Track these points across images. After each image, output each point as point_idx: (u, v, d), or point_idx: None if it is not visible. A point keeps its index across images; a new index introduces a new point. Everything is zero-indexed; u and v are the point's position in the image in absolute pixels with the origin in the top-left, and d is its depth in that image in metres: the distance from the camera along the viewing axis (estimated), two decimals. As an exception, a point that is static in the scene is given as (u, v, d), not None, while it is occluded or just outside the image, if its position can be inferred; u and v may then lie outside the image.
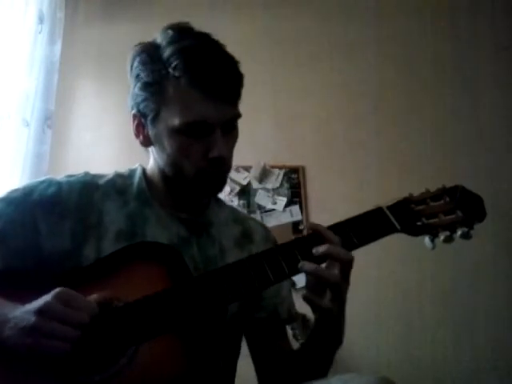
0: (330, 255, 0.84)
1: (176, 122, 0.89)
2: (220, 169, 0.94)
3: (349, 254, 0.85)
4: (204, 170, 0.93)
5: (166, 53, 0.90)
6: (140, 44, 0.96)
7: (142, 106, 0.94)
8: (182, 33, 0.93)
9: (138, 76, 0.94)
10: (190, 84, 0.88)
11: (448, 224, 0.89)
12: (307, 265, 0.84)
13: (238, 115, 0.96)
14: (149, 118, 0.94)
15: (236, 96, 0.94)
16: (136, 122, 0.98)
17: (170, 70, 0.89)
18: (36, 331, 0.75)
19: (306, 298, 0.85)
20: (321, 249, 0.84)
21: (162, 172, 0.99)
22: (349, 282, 0.86)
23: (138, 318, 0.81)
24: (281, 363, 1.04)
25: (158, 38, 0.94)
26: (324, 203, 2.46)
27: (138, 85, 0.93)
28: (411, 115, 2.53)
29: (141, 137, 0.98)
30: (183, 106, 0.89)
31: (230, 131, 0.94)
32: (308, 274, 0.85)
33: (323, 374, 0.96)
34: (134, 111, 0.97)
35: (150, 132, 0.96)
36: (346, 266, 0.84)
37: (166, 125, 0.91)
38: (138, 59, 0.94)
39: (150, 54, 0.93)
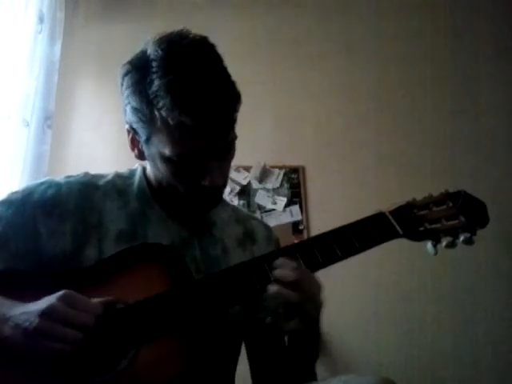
0: (276, 281, 0.82)
1: (167, 152, 0.87)
2: (213, 192, 0.93)
3: (293, 274, 0.81)
4: (197, 192, 0.92)
5: (154, 87, 0.84)
6: (128, 63, 0.91)
7: (134, 126, 0.92)
8: (172, 55, 0.85)
9: (128, 97, 0.90)
10: (178, 123, 0.83)
11: (450, 229, 0.88)
12: (270, 288, 0.82)
13: (234, 139, 0.92)
14: (142, 138, 0.92)
15: (230, 125, 0.89)
16: (130, 136, 0.96)
17: (156, 111, 0.84)
18: (38, 333, 0.74)
19: (269, 323, 0.83)
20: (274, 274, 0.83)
21: (158, 183, 0.98)
22: (316, 301, 0.84)
23: (139, 320, 0.81)
24: (274, 365, 1.04)
25: (149, 50, 0.88)
26: (324, 203, 2.46)
27: (129, 106, 0.90)
28: (411, 115, 2.53)
29: (135, 150, 0.97)
30: (173, 140, 0.86)
31: (225, 155, 0.92)
32: (270, 297, 0.82)
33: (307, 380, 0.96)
34: (127, 126, 0.95)
35: (144, 150, 0.94)
36: (301, 285, 0.81)
37: (158, 151, 0.89)
38: (126, 81, 0.90)
39: (137, 78, 0.87)
